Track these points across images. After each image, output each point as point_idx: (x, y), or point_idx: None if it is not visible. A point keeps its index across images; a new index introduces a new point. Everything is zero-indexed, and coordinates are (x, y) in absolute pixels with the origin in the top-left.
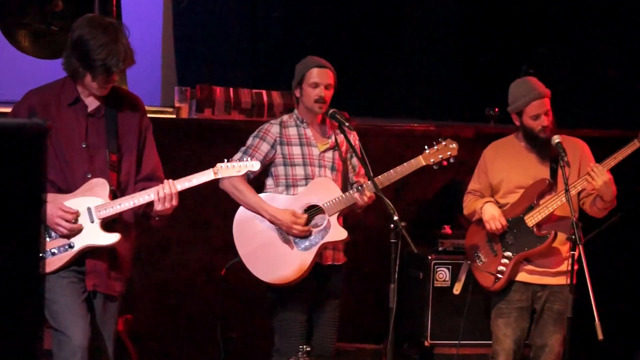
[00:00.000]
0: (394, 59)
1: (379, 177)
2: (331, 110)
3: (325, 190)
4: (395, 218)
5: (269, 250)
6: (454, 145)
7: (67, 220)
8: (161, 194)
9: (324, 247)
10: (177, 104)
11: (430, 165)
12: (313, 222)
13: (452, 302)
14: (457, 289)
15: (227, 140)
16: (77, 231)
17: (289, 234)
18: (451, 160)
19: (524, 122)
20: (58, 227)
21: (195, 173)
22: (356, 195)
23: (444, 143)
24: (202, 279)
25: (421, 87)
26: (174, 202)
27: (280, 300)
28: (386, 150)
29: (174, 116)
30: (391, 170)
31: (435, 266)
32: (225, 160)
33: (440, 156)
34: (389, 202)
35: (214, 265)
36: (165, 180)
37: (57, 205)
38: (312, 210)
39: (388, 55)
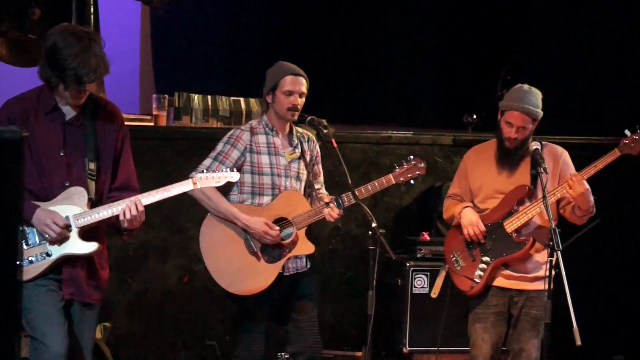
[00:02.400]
0: (371, 66)
1: (347, 194)
2: (309, 118)
3: (294, 204)
4: (374, 225)
5: (235, 261)
6: (422, 164)
7: (57, 225)
8: (127, 216)
9: (291, 259)
10: (155, 112)
11: (400, 183)
12: (284, 234)
13: (431, 309)
14: (434, 293)
15: (206, 148)
16: (64, 238)
17: (260, 242)
18: (419, 179)
19: (499, 124)
20: (49, 231)
21: (173, 182)
22: (325, 210)
23: (413, 162)
24: (180, 287)
25: (399, 94)
26: (141, 219)
27: (241, 310)
28: (363, 158)
29: (152, 124)
30: (361, 188)
31: (414, 273)
32: (204, 170)
33: (409, 175)
34: (367, 209)
35: (192, 272)
36: (131, 200)
37: (47, 210)
38: (281, 223)
39: (366, 62)
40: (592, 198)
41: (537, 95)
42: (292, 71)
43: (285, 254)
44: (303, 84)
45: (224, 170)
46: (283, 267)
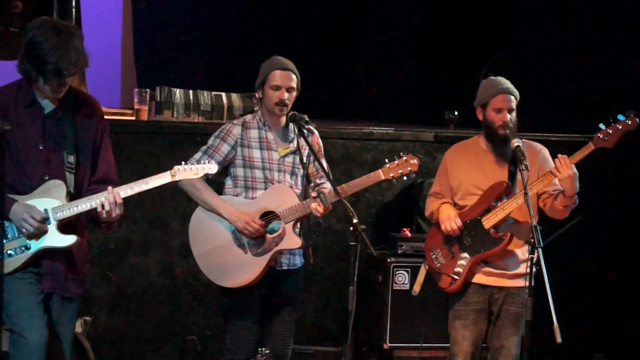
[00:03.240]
0: (353, 62)
1: (338, 187)
2: (291, 113)
3: (283, 198)
4: (355, 221)
5: (223, 254)
6: (415, 161)
7: (34, 219)
8: (106, 207)
9: (278, 253)
10: (136, 106)
11: (389, 179)
12: (270, 227)
13: (412, 306)
14: (415, 289)
15: (187, 142)
16: (42, 232)
17: (243, 236)
18: (412, 175)
19: (486, 116)
20: (26, 225)
21: (153, 175)
22: (313, 205)
23: (405, 158)
24: (161, 281)
25: (381, 90)
26: (118, 212)
27: (232, 303)
28: (345, 154)
29: (133, 118)
30: (350, 183)
31: (395, 269)
32: (183, 162)
33: (400, 171)
34: (348, 205)
35: (173, 266)
36: (110, 189)
37: (24, 204)
38: (269, 217)
39: (347, 58)
40: (578, 184)
41: (500, 78)
42: (281, 66)
43: (272, 248)
44: (292, 79)
45: (205, 162)
46: (276, 261)
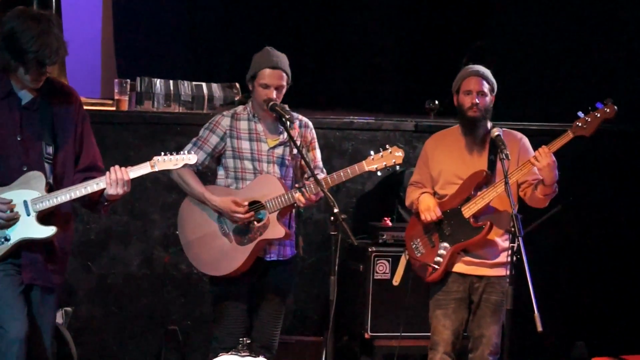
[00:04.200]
0: (333, 50)
1: (311, 180)
2: (271, 103)
3: (268, 188)
4: (336, 210)
5: (209, 242)
6: (400, 153)
7: (2, 210)
8: (112, 177)
9: (267, 243)
10: (117, 97)
11: (373, 171)
12: (257, 217)
13: (393, 295)
14: (396, 280)
15: (167, 133)
16: (14, 221)
17: (228, 224)
18: (397, 168)
19: (458, 100)
20: None
21: (133, 166)
22: (297, 195)
23: (389, 150)
24: (142, 272)
25: (361, 79)
26: (126, 188)
27: (220, 292)
28: (325, 143)
29: (113, 108)
30: (333, 174)
31: (376, 258)
32: (163, 153)
33: (384, 163)
34: (329, 194)
35: (153, 258)
36: (116, 168)
37: None
38: (254, 206)
39: (328, 47)
40: (557, 173)
41: (473, 65)
42: (272, 64)
43: (256, 237)
44: (281, 78)
45: (201, 155)
46: (264, 252)
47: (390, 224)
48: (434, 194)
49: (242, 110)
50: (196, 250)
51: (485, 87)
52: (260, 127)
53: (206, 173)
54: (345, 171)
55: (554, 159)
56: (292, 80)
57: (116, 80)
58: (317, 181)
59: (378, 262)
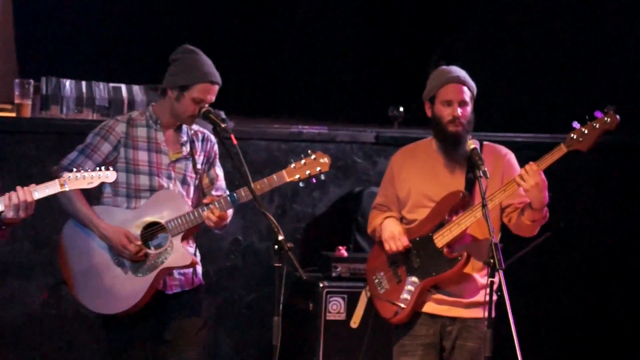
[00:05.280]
0: (279, 48)
1: (235, 192)
2: (205, 109)
3: (170, 206)
4: (280, 238)
5: (100, 275)
6: (325, 159)
7: None
8: (14, 200)
9: (167, 272)
10: (17, 100)
11: (295, 181)
12: (156, 242)
13: (349, 339)
14: (354, 322)
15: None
16: None
17: (121, 256)
18: (321, 177)
19: (434, 111)
20: None
21: (39, 184)
22: (204, 213)
23: (313, 157)
24: (46, 312)
25: (310, 82)
26: (29, 211)
27: (115, 337)
28: (268, 157)
29: (13, 114)
30: (240, 190)
31: (328, 295)
32: (74, 169)
33: (307, 172)
34: (272, 218)
35: (62, 295)
36: (19, 189)
37: None
38: (154, 228)
39: (272, 44)
40: (547, 195)
41: (450, 67)
42: (210, 78)
43: (157, 266)
44: (215, 93)
45: (89, 165)
46: (164, 285)
47: (346, 254)
48: (401, 219)
49: (140, 116)
50: (84, 285)
51: (467, 95)
52: (161, 137)
53: (88, 190)
54: (262, 183)
55: (544, 178)
56: (229, 84)
57: (17, 80)
58: (252, 190)
59: (331, 299)
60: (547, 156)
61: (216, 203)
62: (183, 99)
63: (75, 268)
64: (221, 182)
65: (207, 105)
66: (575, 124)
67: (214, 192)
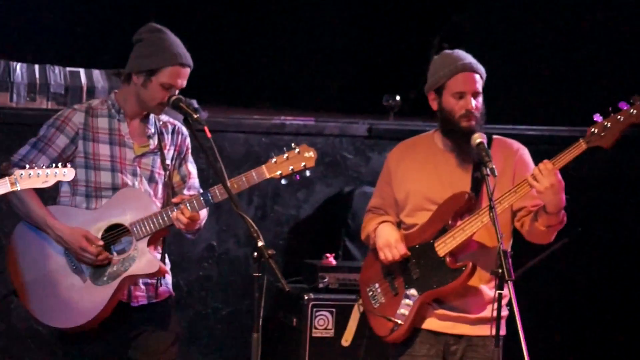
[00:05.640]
0: (260, 29)
1: (209, 190)
2: (174, 97)
3: (135, 206)
4: (260, 244)
5: (55, 283)
6: (311, 153)
7: None
8: None
9: (131, 282)
10: None
11: (277, 178)
12: (119, 247)
13: (337, 357)
14: (346, 340)
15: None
16: None
17: (80, 262)
18: (306, 173)
19: (442, 104)
20: None
21: None
22: (174, 214)
23: (297, 150)
24: None
25: (295, 69)
26: None
27: (66, 351)
28: (247, 152)
29: None
30: (215, 188)
31: (314, 309)
32: (27, 166)
33: (290, 167)
34: (251, 222)
35: (12, 308)
36: None
37: None
38: (117, 231)
39: (253, 24)
40: (564, 197)
41: (456, 51)
42: (180, 60)
43: (120, 273)
44: (186, 77)
45: (43, 161)
46: (129, 296)
47: (334, 262)
48: (399, 223)
49: (100, 105)
50: (37, 296)
51: (480, 85)
52: (125, 128)
53: (44, 189)
54: (239, 180)
55: (560, 178)
56: (204, 70)
57: None
58: (230, 193)
59: (318, 314)
60: (563, 153)
61: (187, 203)
62: (150, 85)
63: (27, 276)
64: (194, 180)
65: (177, 93)
66: (597, 117)
67: (185, 192)
